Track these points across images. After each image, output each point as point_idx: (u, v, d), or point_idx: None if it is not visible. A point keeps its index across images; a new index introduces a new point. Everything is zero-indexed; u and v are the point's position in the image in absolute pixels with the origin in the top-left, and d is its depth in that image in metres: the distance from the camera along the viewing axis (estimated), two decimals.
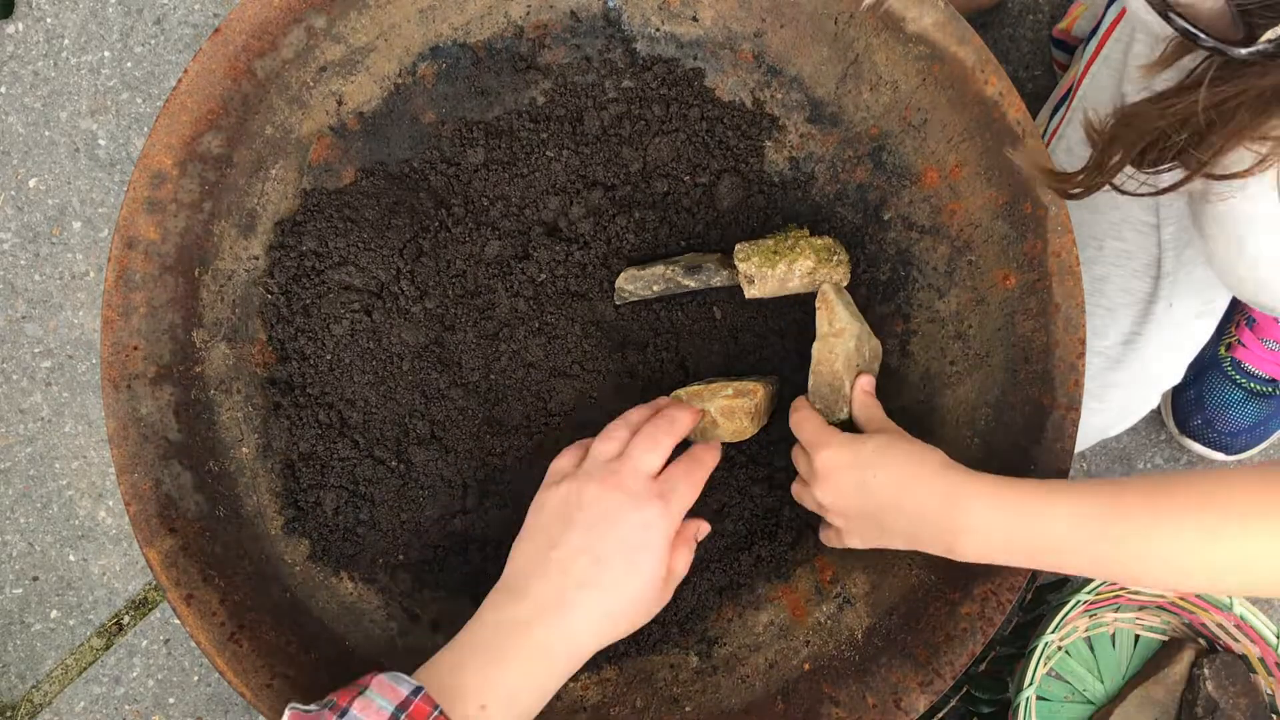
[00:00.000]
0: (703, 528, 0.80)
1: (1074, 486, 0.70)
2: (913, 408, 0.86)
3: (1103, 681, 1.25)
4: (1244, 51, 0.52)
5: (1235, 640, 1.19)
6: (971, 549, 0.71)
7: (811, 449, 0.77)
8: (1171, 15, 0.53)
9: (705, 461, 0.76)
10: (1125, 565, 0.68)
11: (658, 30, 0.84)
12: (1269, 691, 1.17)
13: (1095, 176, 0.69)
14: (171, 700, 1.20)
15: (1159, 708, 1.21)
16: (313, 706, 0.65)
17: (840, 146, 0.86)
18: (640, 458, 0.73)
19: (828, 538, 0.82)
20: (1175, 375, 1.12)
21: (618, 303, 0.85)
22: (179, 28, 1.15)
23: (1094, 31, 1.03)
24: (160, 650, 1.21)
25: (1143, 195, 0.71)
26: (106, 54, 1.16)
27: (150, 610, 1.20)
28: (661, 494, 0.72)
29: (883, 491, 0.73)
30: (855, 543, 0.78)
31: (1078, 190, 0.72)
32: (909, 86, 0.84)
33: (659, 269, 0.83)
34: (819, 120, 0.86)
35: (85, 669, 1.20)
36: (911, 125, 0.85)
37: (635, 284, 0.84)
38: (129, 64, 1.16)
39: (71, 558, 1.20)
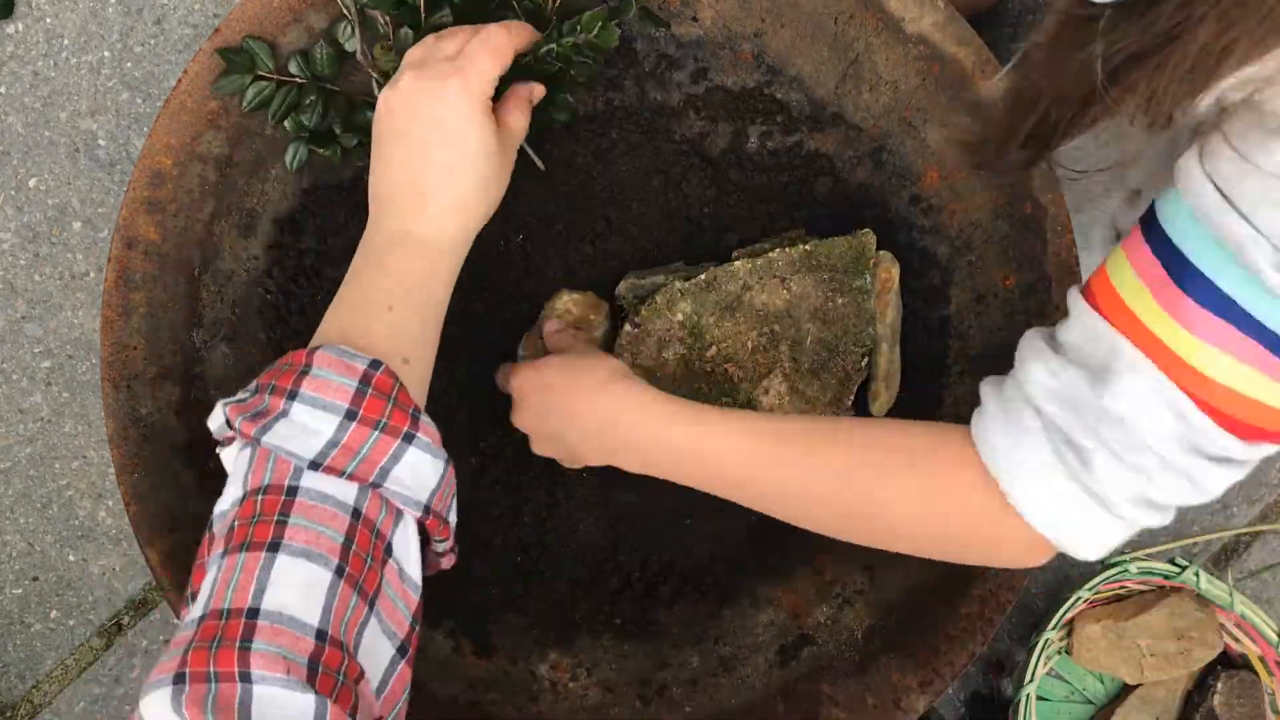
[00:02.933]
0: (535, 90, 0.77)
1: (730, 411, 0.72)
2: (913, 408, 0.86)
3: (1103, 682, 1.25)
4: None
5: (1236, 640, 1.19)
6: (630, 457, 0.73)
7: (512, 383, 0.79)
8: None
9: (500, 31, 0.71)
10: (771, 487, 0.70)
11: (658, 30, 0.84)
12: (1270, 690, 1.17)
13: (1005, 148, 0.68)
14: None
15: (1159, 707, 1.21)
16: (245, 395, 0.64)
17: (840, 146, 0.86)
18: (441, 46, 0.70)
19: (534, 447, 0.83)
20: None
21: (618, 303, 0.85)
22: (179, 28, 1.15)
23: None
24: (160, 650, 1.21)
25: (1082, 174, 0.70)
26: (106, 54, 1.16)
27: (150, 610, 1.20)
28: (457, 68, 0.68)
29: (559, 409, 0.75)
30: (546, 454, 0.79)
31: (992, 160, 0.72)
32: (909, 86, 0.84)
33: (659, 278, 0.83)
34: (819, 120, 0.86)
35: (85, 669, 1.20)
36: (911, 125, 0.85)
37: (636, 291, 0.84)
38: (129, 64, 1.16)
39: (71, 558, 1.20)
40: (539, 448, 0.79)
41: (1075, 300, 0.63)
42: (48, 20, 1.16)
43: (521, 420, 0.78)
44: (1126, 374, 0.58)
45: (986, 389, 0.65)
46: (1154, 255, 0.59)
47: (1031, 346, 0.63)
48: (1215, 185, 0.56)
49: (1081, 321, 0.61)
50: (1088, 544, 0.62)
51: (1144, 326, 0.58)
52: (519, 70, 0.75)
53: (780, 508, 0.71)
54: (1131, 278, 0.59)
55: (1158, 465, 0.58)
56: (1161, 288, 0.58)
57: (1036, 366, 0.61)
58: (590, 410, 0.74)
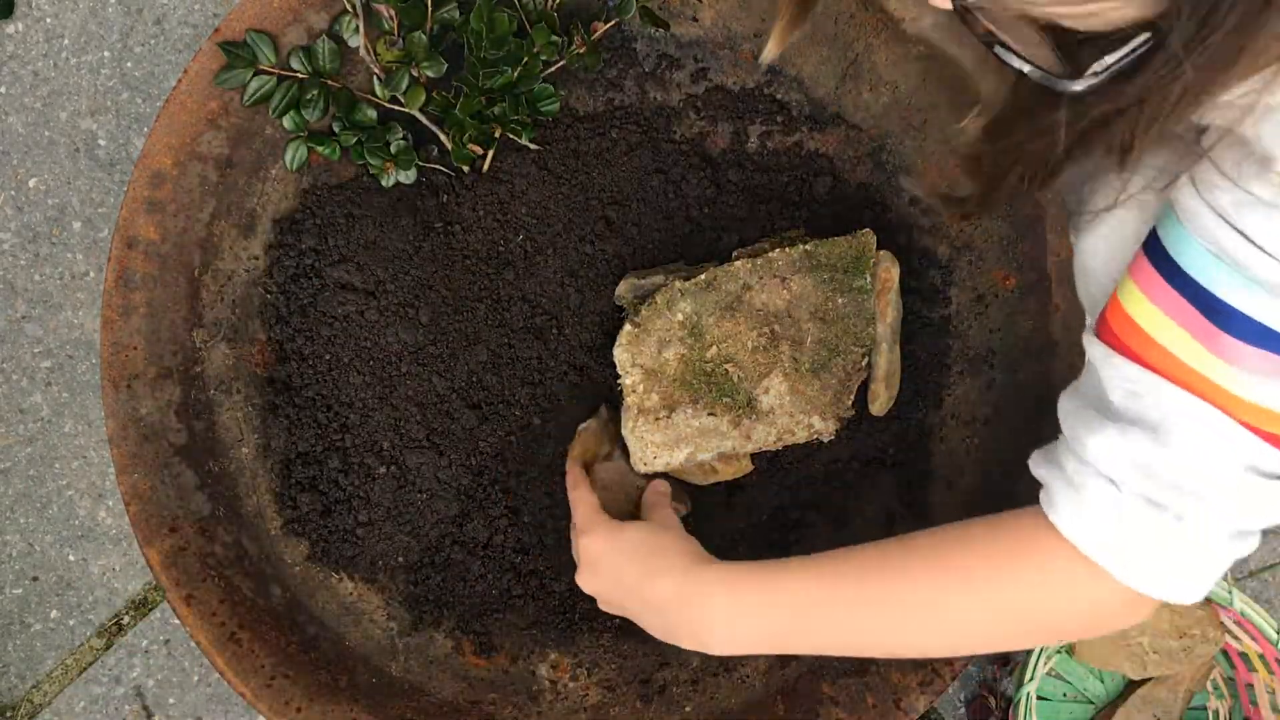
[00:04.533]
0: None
1: (805, 564, 0.69)
2: (913, 408, 0.86)
3: (1103, 681, 1.25)
4: (1075, 86, 0.51)
5: (1236, 638, 1.19)
6: (721, 643, 0.70)
7: (576, 533, 0.78)
8: (997, 49, 0.51)
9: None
10: (869, 641, 0.68)
11: (658, 30, 0.84)
12: (1270, 689, 1.17)
13: (988, 202, 0.68)
14: (171, 700, 1.20)
15: (1161, 707, 1.21)
16: None
17: (840, 146, 0.86)
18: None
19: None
20: None
21: (618, 303, 0.85)
22: (179, 28, 1.15)
23: None
24: (160, 650, 1.21)
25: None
26: (106, 54, 1.16)
27: (150, 610, 1.20)
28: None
29: (631, 586, 0.74)
30: (606, 608, 0.78)
31: (974, 211, 0.72)
32: (909, 86, 0.84)
33: (659, 278, 0.83)
34: (819, 120, 0.86)
35: (85, 669, 1.20)
36: (911, 125, 0.85)
37: (636, 291, 0.84)
38: (129, 64, 1.16)
39: (71, 558, 1.20)
40: (608, 609, 0.78)
41: (1099, 350, 0.62)
42: (48, 20, 1.16)
43: (591, 586, 0.77)
44: (1185, 421, 0.58)
45: (1044, 471, 0.64)
46: (1179, 294, 0.58)
47: (1078, 417, 0.63)
48: (1221, 217, 0.56)
49: (1120, 373, 0.60)
50: (1195, 588, 0.61)
51: (1190, 369, 0.58)
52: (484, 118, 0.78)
53: (882, 652, 0.71)
54: (1162, 318, 0.59)
55: (1237, 498, 0.58)
56: (1200, 328, 0.57)
57: (1094, 442, 0.60)
58: (672, 599, 0.72)
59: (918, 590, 0.65)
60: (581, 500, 0.79)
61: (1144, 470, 0.59)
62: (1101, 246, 0.68)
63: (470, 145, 0.80)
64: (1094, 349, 0.63)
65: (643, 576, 0.73)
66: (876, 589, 0.67)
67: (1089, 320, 0.68)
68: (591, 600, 0.85)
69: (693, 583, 0.71)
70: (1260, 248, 0.54)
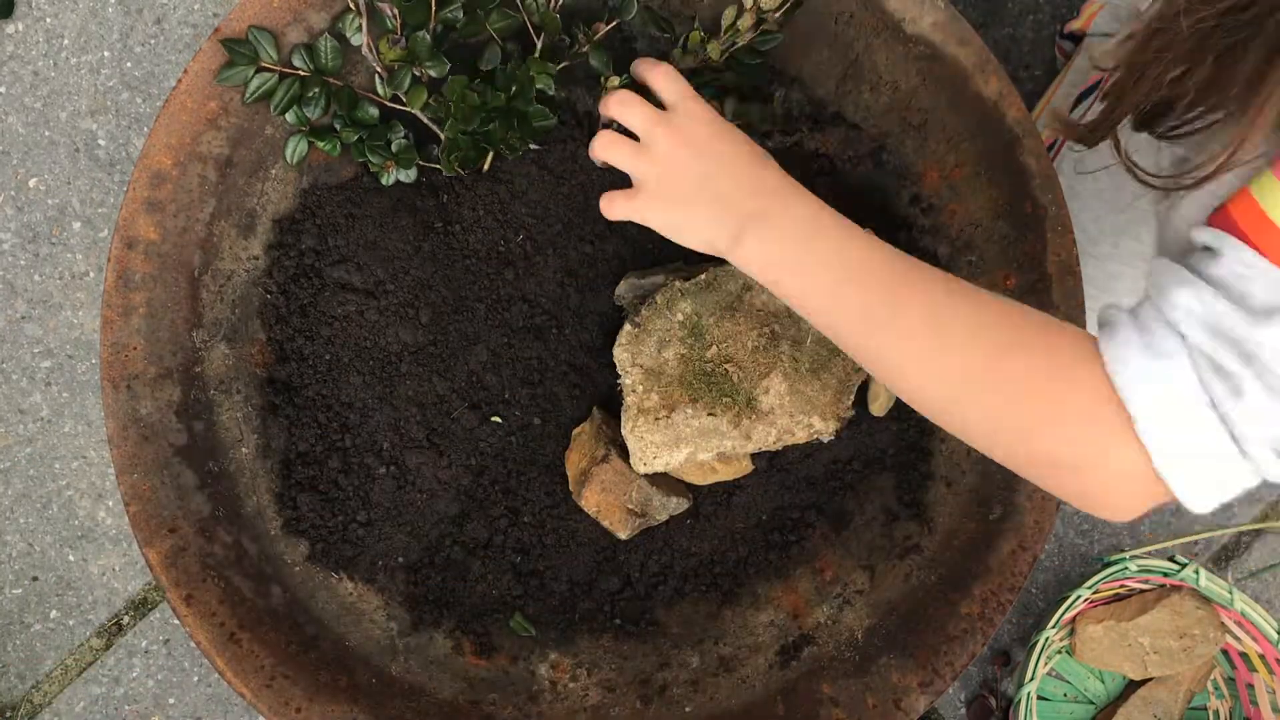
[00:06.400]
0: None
1: (875, 243, 0.68)
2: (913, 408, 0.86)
3: (1103, 681, 1.25)
4: None
5: (1236, 638, 1.19)
6: (758, 248, 0.68)
7: (681, 96, 0.74)
8: None
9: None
10: (859, 332, 0.66)
11: (660, 32, 0.84)
12: (1270, 689, 1.17)
13: (1112, 113, 0.66)
14: (171, 700, 1.20)
15: (1161, 708, 1.21)
16: None
17: (840, 146, 0.86)
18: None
19: (613, 199, 0.76)
20: None
21: (618, 303, 0.85)
22: (179, 28, 1.15)
23: None
24: (160, 650, 1.21)
25: (1160, 185, 0.66)
26: (106, 54, 1.16)
27: (150, 610, 1.20)
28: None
29: (730, 155, 0.71)
30: (649, 207, 0.73)
31: (1090, 133, 0.70)
32: (909, 87, 0.84)
33: (659, 278, 0.83)
34: (819, 120, 0.86)
35: (85, 669, 1.20)
36: (911, 125, 0.85)
37: (636, 291, 0.84)
38: (129, 64, 1.16)
39: (71, 558, 1.20)
40: (652, 189, 0.73)
41: (1215, 235, 0.59)
42: (48, 20, 1.16)
43: (668, 144, 0.72)
44: None
45: (1112, 312, 0.61)
46: None
47: (1173, 274, 0.59)
48: None
49: (1236, 255, 0.57)
50: (1204, 489, 0.58)
51: None
52: None
53: (869, 356, 0.67)
54: None
55: None
56: None
57: (1183, 293, 0.57)
58: (768, 174, 0.70)
59: (953, 335, 0.63)
60: (667, 71, 0.75)
61: (1223, 335, 0.56)
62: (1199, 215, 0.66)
63: (455, 165, 0.81)
64: (1203, 232, 0.59)
65: (739, 154, 0.71)
66: (921, 314, 0.64)
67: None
68: (592, 600, 0.86)
69: (790, 185, 0.70)
70: None
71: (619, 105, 0.75)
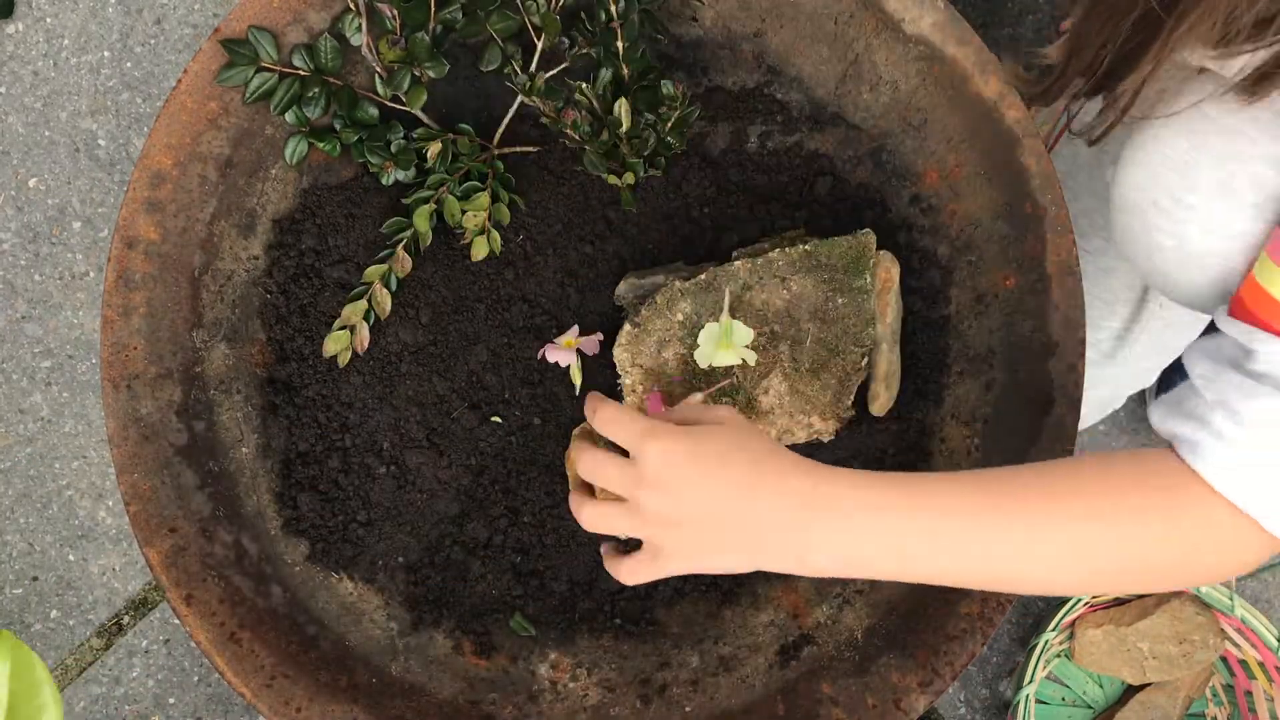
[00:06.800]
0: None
1: (942, 482, 0.64)
2: (913, 408, 0.86)
3: (1102, 686, 1.25)
4: None
5: (1236, 645, 1.19)
6: (832, 554, 0.63)
7: (641, 442, 0.64)
8: None
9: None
10: (1002, 577, 0.65)
11: (657, 35, 0.84)
12: (1269, 697, 1.17)
13: (1059, 77, 0.67)
14: (171, 700, 1.20)
15: (1159, 713, 1.21)
16: None
17: (840, 146, 0.86)
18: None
19: (634, 568, 0.68)
20: (1153, 376, 1.12)
21: (618, 303, 0.85)
22: (179, 28, 1.16)
23: None
24: (160, 650, 1.21)
25: (1082, 133, 0.68)
26: (106, 54, 1.16)
27: (150, 610, 1.20)
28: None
29: (732, 489, 0.62)
30: (676, 565, 0.66)
31: (1041, 95, 0.70)
32: (909, 87, 0.84)
33: (659, 278, 0.83)
34: (819, 120, 0.86)
35: (85, 669, 1.20)
36: (911, 125, 0.85)
37: (636, 291, 0.84)
38: (129, 64, 1.16)
39: (71, 558, 1.20)
40: (674, 553, 0.64)
41: (1238, 327, 0.64)
42: (48, 20, 1.16)
43: (659, 501, 0.63)
44: None
45: (1181, 426, 0.64)
46: None
47: (1226, 382, 0.63)
48: None
49: (1268, 347, 0.62)
50: None
51: None
52: None
53: (1005, 585, 0.66)
54: None
55: None
56: None
57: (1250, 406, 0.61)
58: (795, 485, 0.62)
59: (1057, 524, 0.63)
60: (622, 412, 0.66)
61: None
62: (1142, 175, 0.67)
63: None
64: (1230, 325, 0.64)
65: (746, 478, 0.62)
66: (1025, 526, 0.63)
67: (1197, 302, 0.68)
68: (592, 600, 0.85)
69: (827, 483, 0.62)
70: None
71: (588, 472, 0.67)
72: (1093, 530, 0.63)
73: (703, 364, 0.78)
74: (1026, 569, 0.64)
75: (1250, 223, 0.68)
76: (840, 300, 0.81)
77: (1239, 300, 0.64)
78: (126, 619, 1.20)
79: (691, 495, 0.63)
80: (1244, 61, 0.61)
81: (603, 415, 0.66)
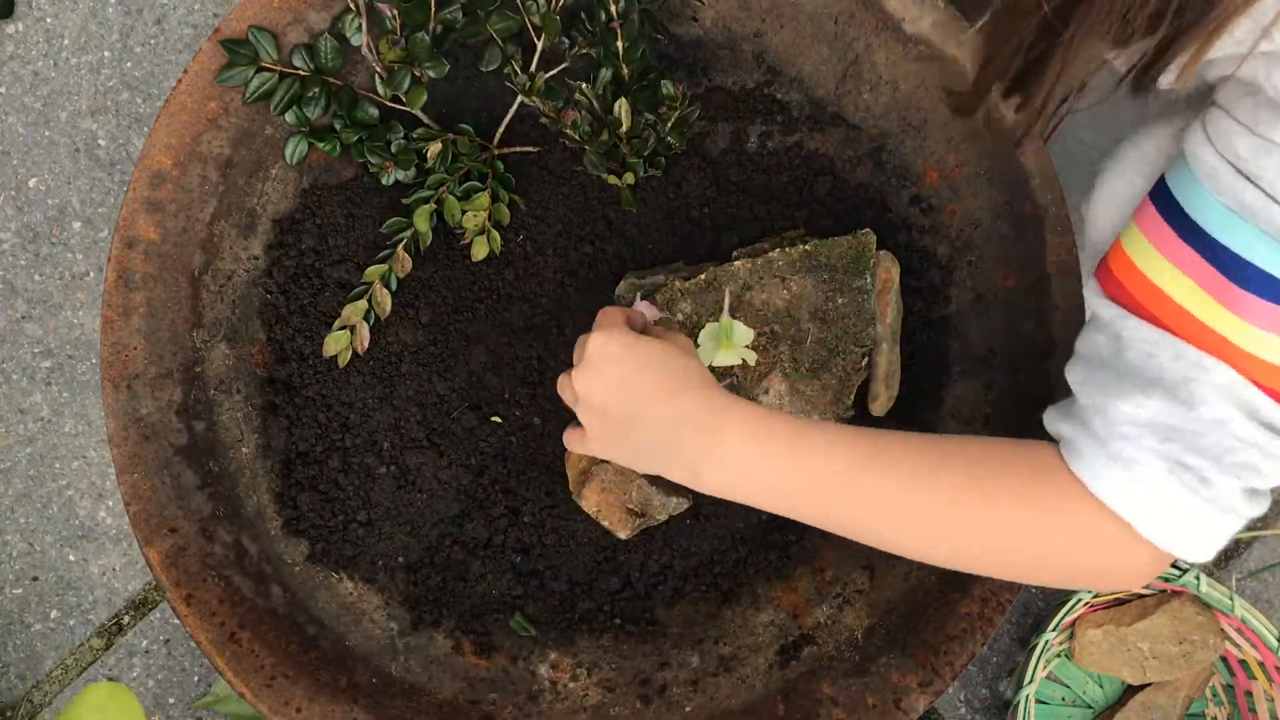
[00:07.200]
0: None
1: (833, 433, 0.67)
2: (913, 408, 0.86)
3: (1102, 686, 1.25)
4: None
5: (1236, 645, 1.19)
6: (719, 481, 0.67)
7: (594, 330, 0.71)
8: None
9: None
10: (865, 522, 0.67)
11: (657, 35, 0.84)
12: (1269, 697, 1.17)
13: (981, 91, 0.68)
14: (171, 700, 1.20)
15: (1160, 713, 1.21)
16: None
17: (840, 146, 0.86)
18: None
19: (569, 436, 0.76)
20: None
21: (618, 304, 0.85)
22: (179, 28, 1.16)
23: None
24: (160, 650, 1.21)
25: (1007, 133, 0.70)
26: (106, 54, 1.16)
27: (150, 610, 1.20)
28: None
29: (641, 395, 0.68)
30: (597, 448, 0.73)
31: (966, 100, 0.71)
32: (909, 87, 0.84)
33: (658, 278, 0.83)
34: (819, 120, 0.86)
35: (85, 669, 1.20)
36: (911, 125, 0.85)
37: (635, 291, 0.84)
38: (129, 64, 1.16)
39: (71, 558, 1.20)
40: (595, 435, 0.72)
41: (1110, 310, 0.63)
42: (48, 20, 1.16)
43: (588, 386, 0.70)
44: (1205, 383, 0.59)
45: (1065, 426, 0.65)
46: (1194, 250, 0.59)
47: (1095, 383, 0.64)
48: (1239, 171, 0.56)
49: (1137, 334, 0.61)
50: (1207, 548, 0.62)
51: (1205, 326, 0.59)
52: None
53: (875, 541, 0.68)
54: (1175, 273, 0.59)
55: (1259, 457, 0.59)
56: (1216, 285, 0.58)
57: (1118, 407, 0.61)
58: (688, 418, 0.67)
59: (937, 498, 0.64)
60: (611, 310, 0.74)
61: (1168, 434, 0.60)
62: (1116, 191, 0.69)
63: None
64: (1103, 308, 0.63)
65: (657, 387, 0.68)
66: (898, 483, 0.65)
67: (1086, 267, 0.68)
68: (592, 600, 0.86)
69: (719, 409, 0.67)
70: (1271, 196, 0.54)
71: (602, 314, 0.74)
72: (966, 505, 0.64)
73: (704, 363, 0.78)
74: (900, 531, 0.66)
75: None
76: (840, 300, 0.81)
77: (1105, 270, 0.63)
78: (126, 619, 1.20)
79: (608, 388, 0.69)
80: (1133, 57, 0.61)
81: (602, 311, 0.74)
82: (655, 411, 0.68)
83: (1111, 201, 0.74)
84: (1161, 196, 0.61)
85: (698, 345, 0.79)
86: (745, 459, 0.67)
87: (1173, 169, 0.62)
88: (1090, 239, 0.79)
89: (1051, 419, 0.67)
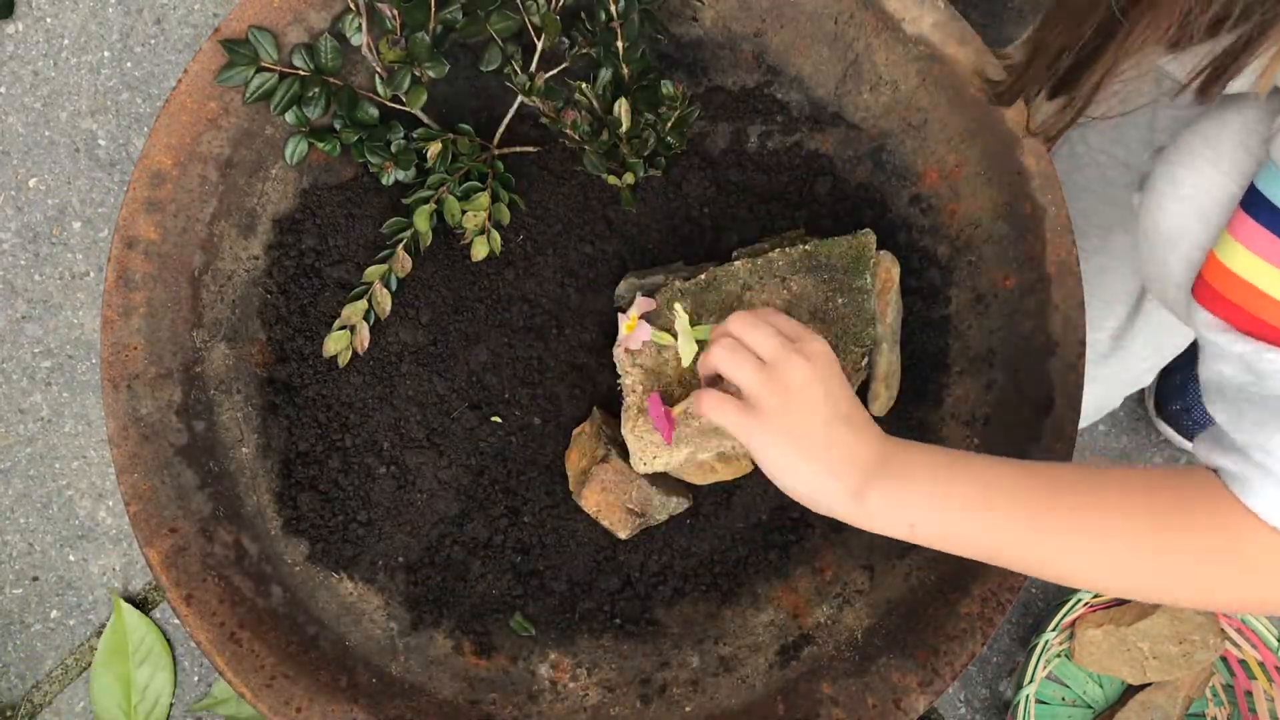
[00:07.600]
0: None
1: (987, 465, 0.67)
2: (913, 408, 0.86)
3: (1101, 686, 1.25)
4: None
5: (1236, 645, 1.19)
6: (885, 519, 0.67)
7: (786, 354, 0.70)
8: None
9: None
10: (1028, 558, 0.67)
11: (657, 35, 0.84)
12: (1269, 697, 1.17)
13: (1025, 82, 0.67)
14: (171, 700, 1.20)
15: (1160, 713, 1.21)
16: None
17: (840, 146, 0.86)
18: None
19: (726, 408, 0.71)
20: (1149, 377, 1.12)
21: (618, 304, 0.85)
22: (179, 28, 1.16)
23: None
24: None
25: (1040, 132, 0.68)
26: (106, 54, 1.16)
27: (150, 610, 1.20)
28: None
29: (831, 417, 0.68)
30: (771, 431, 0.69)
31: (1008, 91, 0.70)
32: (909, 87, 0.84)
33: (659, 278, 0.83)
34: (819, 120, 0.86)
35: (85, 669, 1.20)
36: (911, 125, 0.85)
37: (635, 291, 0.84)
38: (129, 64, 1.16)
39: (71, 558, 1.20)
40: (770, 413, 0.69)
41: (1242, 344, 0.63)
42: (48, 20, 1.16)
43: (791, 375, 0.68)
44: None
45: (1225, 459, 0.64)
46: None
47: (1243, 416, 0.63)
48: None
49: (1275, 366, 0.61)
50: None
51: None
52: None
53: (1034, 572, 0.68)
54: (1274, 272, 0.59)
55: None
56: None
57: (1278, 440, 0.61)
58: (871, 456, 0.68)
59: (1105, 531, 0.64)
60: (759, 326, 0.71)
61: None
62: (1178, 209, 0.68)
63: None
64: (1228, 342, 0.63)
65: (853, 412, 0.68)
66: (1057, 516, 0.65)
67: (1172, 294, 0.67)
68: (592, 600, 0.85)
69: (898, 450, 0.68)
70: None
71: (723, 359, 0.72)
72: (1152, 544, 0.64)
73: (685, 361, 0.78)
74: (1071, 571, 0.66)
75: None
76: (840, 300, 0.81)
77: (1202, 284, 0.62)
78: None
79: (807, 395, 0.68)
80: (1196, 62, 0.60)
81: (742, 321, 0.72)
82: (838, 439, 0.68)
83: (1180, 190, 0.72)
84: (1259, 205, 0.61)
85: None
86: (920, 501, 0.66)
87: (1265, 177, 0.61)
88: (1162, 229, 0.74)
89: (1208, 451, 0.66)
